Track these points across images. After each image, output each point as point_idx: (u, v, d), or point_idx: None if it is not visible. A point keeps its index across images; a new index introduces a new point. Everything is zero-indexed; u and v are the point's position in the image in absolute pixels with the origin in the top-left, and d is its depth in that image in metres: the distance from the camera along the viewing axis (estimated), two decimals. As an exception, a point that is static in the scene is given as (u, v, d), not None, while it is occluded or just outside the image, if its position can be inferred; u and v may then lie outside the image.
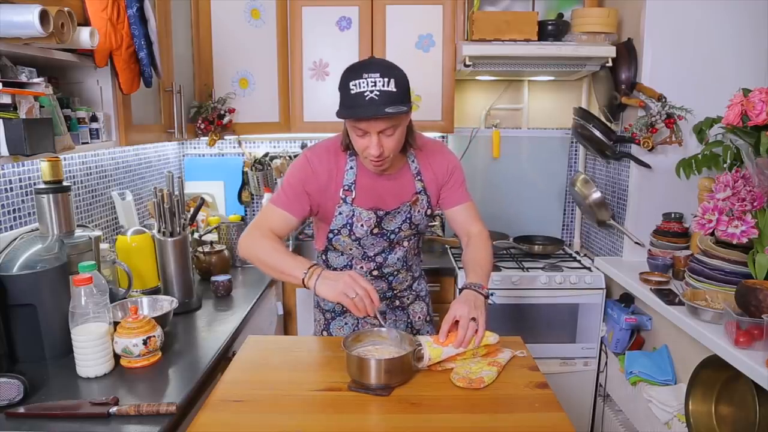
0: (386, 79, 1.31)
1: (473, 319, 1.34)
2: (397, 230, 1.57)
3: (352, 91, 1.31)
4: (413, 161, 1.57)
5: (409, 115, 1.42)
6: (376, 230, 1.54)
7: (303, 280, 1.37)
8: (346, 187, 1.50)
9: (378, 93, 1.30)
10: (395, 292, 1.69)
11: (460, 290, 1.46)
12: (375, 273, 1.62)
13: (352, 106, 1.33)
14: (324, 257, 1.66)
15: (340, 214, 1.52)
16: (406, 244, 1.62)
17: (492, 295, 1.43)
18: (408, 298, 1.73)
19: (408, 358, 1.28)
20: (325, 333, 1.70)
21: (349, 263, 1.62)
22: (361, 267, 1.61)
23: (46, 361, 1.39)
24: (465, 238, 1.62)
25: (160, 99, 2.02)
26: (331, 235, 1.56)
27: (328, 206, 1.52)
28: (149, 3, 1.58)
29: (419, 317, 1.74)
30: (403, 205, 1.55)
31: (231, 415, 1.16)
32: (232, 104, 2.49)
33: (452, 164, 1.60)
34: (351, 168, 1.51)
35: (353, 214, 1.51)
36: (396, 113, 1.31)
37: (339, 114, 1.37)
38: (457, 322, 1.35)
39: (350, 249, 1.58)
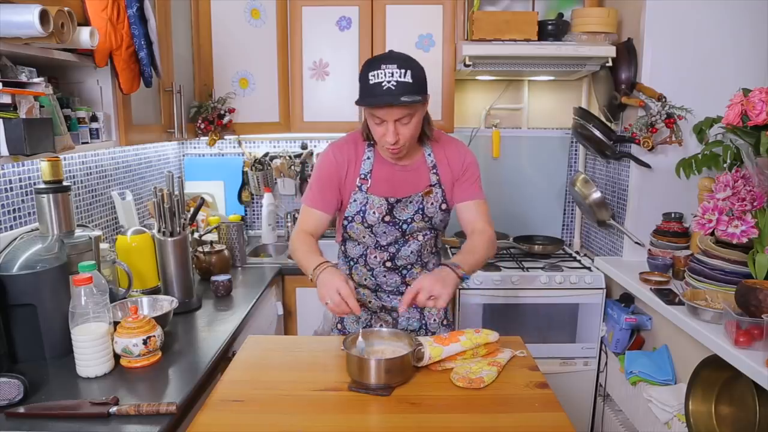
0: (403, 71, 1.38)
1: (432, 297, 1.34)
2: (409, 220, 1.59)
3: (371, 81, 1.39)
4: (429, 155, 1.61)
5: (425, 106, 1.48)
6: (387, 218, 1.57)
7: (311, 279, 1.43)
8: (363, 176, 1.57)
9: (395, 83, 1.36)
10: (409, 287, 1.68)
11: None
12: (388, 264, 1.64)
13: (369, 95, 1.40)
14: (343, 248, 1.70)
15: (354, 201, 1.57)
16: (420, 238, 1.63)
17: (468, 278, 1.45)
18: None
19: (408, 358, 1.28)
20: (339, 326, 1.72)
21: (364, 253, 1.64)
22: (375, 257, 1.63)
23: (46, 361, 1.39)
24: (469, 235, 1.61)
25: (160, 99, 2.02)
26: (345, 222, 1.60)
27: (345, 194, 1.58)
28: (149, 3, 1.58)
29: (434, 319, 1.74)
30: (414, 195, 1.57)
31: (231, 415, 1.16)
32: (232, 104, 2.49)
33: (468, 159, 1.62)
34: (368, 158, 1.58)
35: (366, 202, 1.56)
36: (411, 102, 1.38)
37: (358, 102, 1.44)
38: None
39: (363, 237, 1.61)
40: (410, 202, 1.58)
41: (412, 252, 1.63)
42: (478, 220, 1.60)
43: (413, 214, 1.59)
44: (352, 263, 1.69)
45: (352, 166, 1.57)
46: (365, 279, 1.68)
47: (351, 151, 1.58)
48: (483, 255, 1.54)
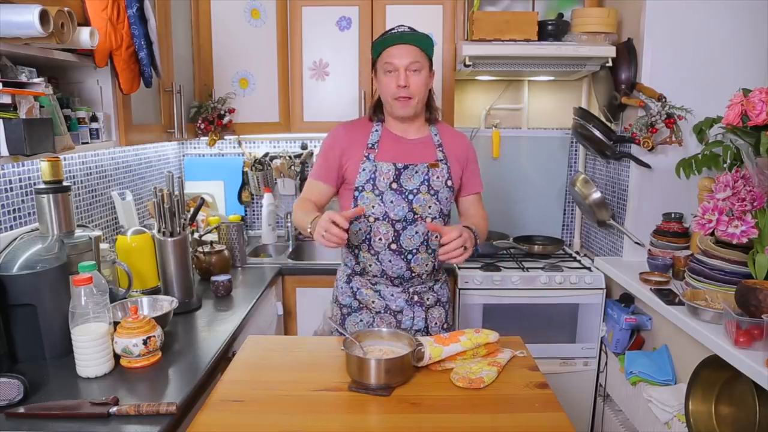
0: (412, 29, 1.62)
1: (458, 252, 1.47)
2: (415, 191, 1.63)
3: (384, 36, 1.61)
4: (436, 135, 1.72)
5: (431, 74, 1.66)
6: (395, 185, 1.63)
7: (309, 232, 1.51)
8: (370, 146, 1.67)
9: (407, 28, 1.61)
10: (413, 273, 1.68)
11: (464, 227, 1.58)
12: (393, 246, 1.65)
13: (384, 41, 1.59)
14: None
15: (363, 170, 1.64)
16: (428, 220, 1.65)
17: (477, 250, 1.63)
18: (429, 299, 1.74)
19: (408, 358, 1.28)
20: (340, 328, 1.71)
21: (368, 237, 1.66)
22: (380, 239, 1.65)
23: (46, 361, 1.39)
24: (468, 216, 1.78)
25: (160, 99, 2.02)
26: (356, 194, 1.65)
27: (352, 163, 1.66)
28: (149, 3, 1.58)
29: (437, 323, 1.75)
30: (420, 164, 1.65)
31: (231, 415, 1.16)
32: (232, 104, 2.49)
33: (470, 151, 1.76)
34: (376, 131, 1.70)
35: (375, 169, 1.64)
36: (422, 36, 1.59)
37: (373, 48, 1.63)
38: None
39: (373, 206, 1.64)
40: (416, 171, 1.64)
41: (417, 233, 1.64)
42: (477, 207, 1.78)
43: (419, 185, 1.64)
44: (356, 251, 1.70)
45: (358, 139, 1.68)
46: (370, 264, 1.68)
47: (358, 127, 1.71)
48: (484, 231, 1.72)
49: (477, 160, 1.77)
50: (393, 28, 1.63)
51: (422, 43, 1.59)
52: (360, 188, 1.64)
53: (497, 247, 2.62)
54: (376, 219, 1.64)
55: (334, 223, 1.40)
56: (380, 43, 1.61)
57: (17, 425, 1.12)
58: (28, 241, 1.46)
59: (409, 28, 1.62)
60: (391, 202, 1.63)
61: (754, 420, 1.51)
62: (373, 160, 1.64)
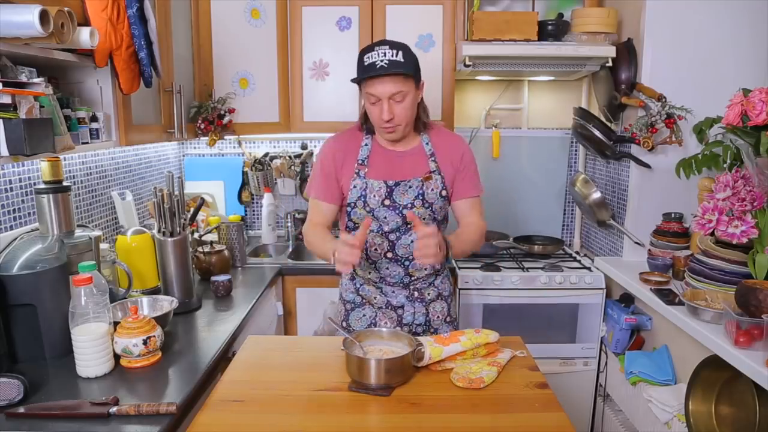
0: (394, 51, 1.50)
1: (427, 253, 1.41)
2: (409, 205, 1.62)
3: (366, 63, 1.51)
4: (427, 143, 1.68)
5: (419, 90, 1.59)
6: (387, 202, 1.61)
7: (332, 263, 1.48)
8: (360, 162, 1.64)
9: (387, 62, 1.48)
10: (412, 278, 1.69)
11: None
12: (389, 255, 1.66)
13: (364, 73, 1.51)
14: None
15: (354, 187, 1.63)
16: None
17: (448, 262, 1.62)
18: (429, 294, 1.74)
19: (408, 358, 1.28)
20: (344, 323, 1.74)
21: (365, 247, 1.65)
22: (375, 249, 1.65)
23: (46, 361, 1.39)
24: (464, 224, 1.70)
25: (160, 99, 2.02)
26: (349, 209, 1.65)
27: (345, 180, 1.64)
28: (149, 3, 1.58)
29: (438, 316, 1.75)
30: (413, 179, 1.61)
31: (231, 415, 1.16)
32: (232, 104, 2.49)
33: (466, 153, 1.69)
34: (366, 145, 1.66)
35: (366, 186, 1.62)
36: (402, 73, 1.48)
37: (354, 79, 1.55)
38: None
39: None
40: (410, 187, 1.62)
41: (413, 241, 1.64)
42: (472, 214, 1.70)
43: (413, 200, 1.62)
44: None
45: (350, 154, 1.65)
46: (369, 272, 1.70)
47: (349, 141, 1.67)
48: (472, 248, 1.67)
49: (474, 161, 1.71)
50: (375, 46, 1.52)
51: (406, 69, 1.49)
52: (352, 204, 1.64)
53: (497, 247, 2.62)
54: (371, 231, 1.64)
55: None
56: (362, 71, 1.52)
57: (17, 425, 1.12)
58: (28, 241, 1.46)
59: (391, 49, 1.49)
60: (384, 217, 1.62)
61: (754, 420, 1.51)
62: (363, 177, 1.62)
